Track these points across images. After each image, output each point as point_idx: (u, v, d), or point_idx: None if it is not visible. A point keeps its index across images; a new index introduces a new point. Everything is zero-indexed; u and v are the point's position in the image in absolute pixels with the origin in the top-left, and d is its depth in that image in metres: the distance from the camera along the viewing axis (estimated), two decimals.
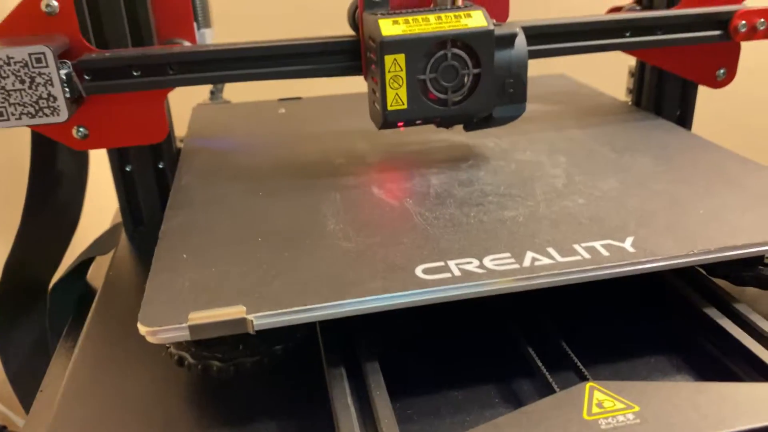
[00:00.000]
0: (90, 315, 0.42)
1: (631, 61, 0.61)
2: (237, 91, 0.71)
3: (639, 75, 0.59)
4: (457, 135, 0.52)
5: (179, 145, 0.55)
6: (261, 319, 0.30)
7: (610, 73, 0.71)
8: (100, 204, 0.67)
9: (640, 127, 0.52)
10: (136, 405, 0.34)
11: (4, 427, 0.73)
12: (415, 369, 0.35)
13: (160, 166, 0.51)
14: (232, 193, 0.44)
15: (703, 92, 0.58)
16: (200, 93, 0.69)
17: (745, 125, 1.02)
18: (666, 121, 0.54)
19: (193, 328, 0.29)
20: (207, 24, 0.54)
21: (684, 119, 0.58)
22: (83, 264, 0.56)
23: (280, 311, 0.30)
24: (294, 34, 0.47)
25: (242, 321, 0.30)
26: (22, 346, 0.62)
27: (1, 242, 0.62)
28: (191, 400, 0.34)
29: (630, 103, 0.60)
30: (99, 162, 0.58)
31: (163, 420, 0.33)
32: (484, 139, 0.51)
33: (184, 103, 0.65)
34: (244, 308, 0.30)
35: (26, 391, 0.64)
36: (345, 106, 0.63)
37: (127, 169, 0.51)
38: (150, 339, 0.30)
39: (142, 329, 0.29)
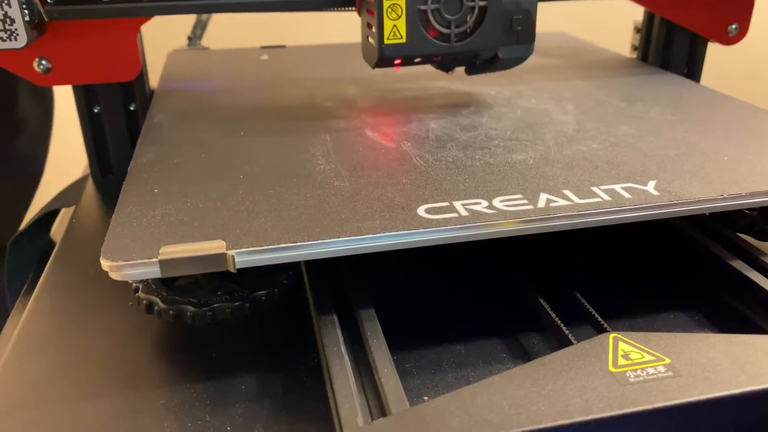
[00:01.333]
0: (48, 265, 0.38)
1: (637, 16, 0.57)
2: (216, 40, 0.67)
3: (646, 30, 0.56)
4: (455, 82, 0.49)
5: (153, 87, 0.50)
6: (243, 256, 0.26)
7: (611, 33, 0.68)
8: (70, 154, 0.63)
9: (649, 81, 0.49)
10: (95, 358, 0.30)
11: None
12: (414, 320, 0.32)
13: (132, 108, 0.47)
14: (210, 132, 0.40)
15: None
16: (177, 40, 0.65)
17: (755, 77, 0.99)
18: (676, 75, 0.51)
19: (164, 263, 0.26)
20: None
21: (691, 76, 0.55)
22: (46, 217, 0.52)
23: (265, 247, 0.26)
24: None
25: (222, 256, 0.26)
26: None
27: None
28: (160, 352, 0.30)
29: (637, 57, 0.57)
30: (70, 106, 0.53)
31: (127, 375, 0.29)
32: (485, 87, 0.48)
33: (159, 48, 0.61)
34: (224, 243, 0.26)
35: None
36: (332, 55, 0.58)
37: (95, 110, 0.47)
38: (114, 275, 0.26)
39: (105, 264, 0.25)
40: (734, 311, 0.32)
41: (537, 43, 0.61)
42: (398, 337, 0.30)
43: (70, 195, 0.52)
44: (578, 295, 0.31)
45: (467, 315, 0.32)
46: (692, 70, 0.55)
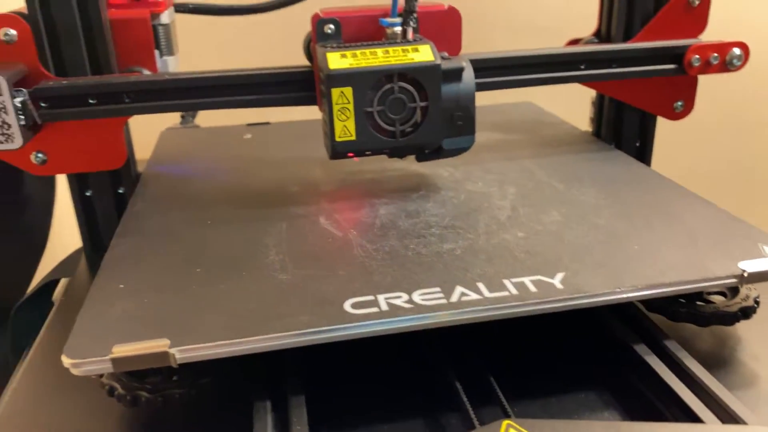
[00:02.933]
0: (36, 341, 0.42)
1: (593, 91, 0.61)
2: (209, 116, 0.72)
3: (599, 106, 0.59)
4: (413, 164, 0.53)
5: (141, 169, 0.55)
6: (184, 353, 0.30)
7: (580, 100, 0.72)
8: (72, 226, 0.68)
9: (594, 159, 0.53)
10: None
11: None
12: (343, 402, 0.35)
13: (120, 191, 0.52)
14: (181, 221, 0.44)
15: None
16: (172, 116, 0.70)
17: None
18: (621, 153, 0.54)
19: (116, 361, 0.30)
20: (170, 52, 0.55)
21: (643, 150, 0.58)
22: (48, 286, 0.57)
23: (202, 345, 0.31)
24: (271, 61, 0.48)
25: (164, 354, 0.30)
26: None
27: None
28: (121, 430, 0.34)
29: (591, 133, 0.61)
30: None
31: None
32: (440, 169, 0.52)
33: (157, 125, 0.66)
34: (168, 341, 0.31)
35: None
36: (311, 131, 0.63)
37: (87, 194, 0.52)
38: (74, 371, 0.30)
39: (66, 361, 0.30)
40: (639, 393, 0.35)
41: (501, 115, 0.65)
42: (327, 418, 0.33)
43: (68, 266, 0.57)
44: (491, 378, 0.35)
45: (392, 397, 0.36)
46: (644, 143, 0.58)
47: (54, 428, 0.34)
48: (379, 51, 0.43)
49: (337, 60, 0.42)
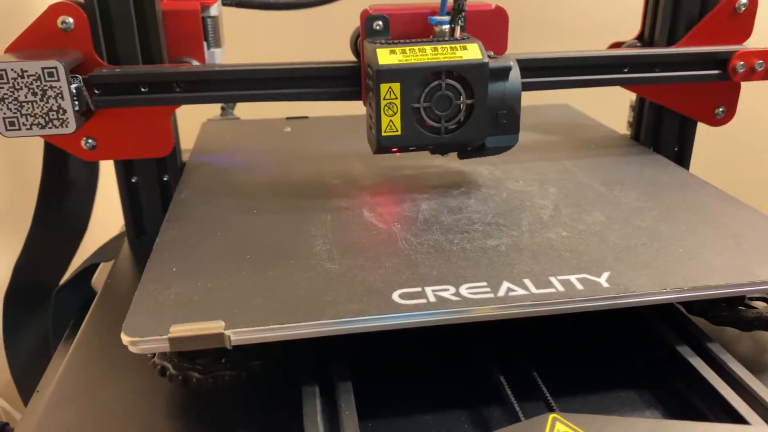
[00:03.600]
0: (84, 322, 0.43)
1: (633, 95, 0.61)
2: (248, 108, 0.73)
3: (638, 109, 0.60)
4: (453, 161, 0.53)
5: (185, 158, 0.56)
6: (238, 335, 0.31)
7: (617, 104, 0.72)
8: (111, 211, 0.69)
9: (634, 162, 0.53)
10: (117, 414, 0.35)
11: (6, 424, 0.75)
12: (389, 391, 0.36)
13: (165, 179, 0.53)
14: (228, 210, 0.45)
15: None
16: (212, 108, 0.72)
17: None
18: (661, 157, 0.54)
19: (173, 341, 0.31)
20: (217, 44, 0.56)
21: (682, 155, 0.58)
22: (88, 270, 0.58)
23: (256, 328, 0.31)
24: (308, 57, 0.49)
25: (220, 336, 0.31)
26: (26, 347, 0.64)
27: (10, 246, 0.64)
28: (171, 411, 0.35)
29: (629, 136, 0.61)
30: (111, 170, 0.60)
31: (141, 429, 0.34)
32: (479, 167, 0.52)
33: (197, 117, 0.67)
34: (223, 323, 0.31)
35: (29, 392, 0.66)
36: (349, 127, 0.64)
37: (133, 180, 0.53)
38: (132, 349, 0.31)
39: (125, 339, 0.31)
40: (681, 394, 0.35)
41: (539, 117, 0.65)
42: (372, 405, 0.34)
43: (109, 250, 0.58)
44: (535, 374, 0.35)
45: (435, 389, 0.36)
46: (682, 148, 0.58)
47: (105, 407, 0.35)
48: (428, 48, 0.43)
49: (386, 56, 0.43)
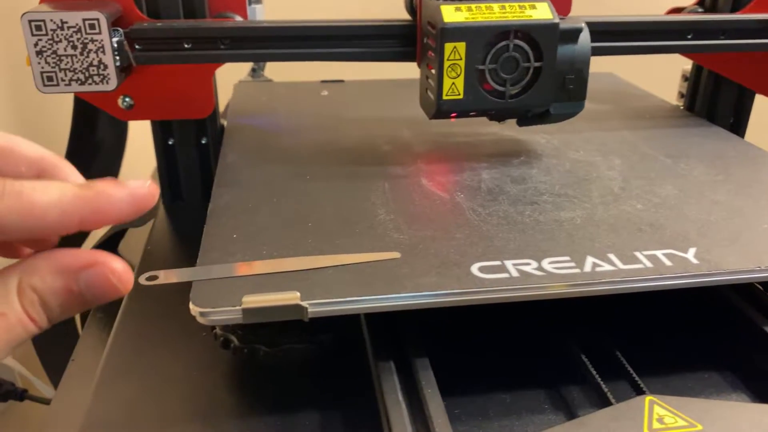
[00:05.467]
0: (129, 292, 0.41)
1: (685, 65, 0.59)
2: (278, 70, 0.70)
3: (694, 80, 0.57)
4: (506, 129, 0.51)
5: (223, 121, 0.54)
6: (315, 307, 0.29)
7: (659, 76, 0.69)
8: (138, 175, 0.67)
9: (694, 134, 0.51)
10: (177, 385, 0.33)
11: (25, 390, 0.74)
12: (463, 368, 0.34)
13: (203, 142, 0.51)
14: (279, 174, 0.43)
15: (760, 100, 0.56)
16: (240, 70, 0.69)
17: None
18: (721, 129, 0.52)
19: (246, 312, 0.29)
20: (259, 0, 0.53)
21: (738, 127, 0.56)
22: (115, 236, 0.56)
23: (335, 300, 0.29)
24: (347, 15, 0.46)
25: (297, 307, 0.29)
26: None
27: None
28: (234, 384, 0.33)
29: (681, 107, 0.59)
30: (139, 133, 0.57)
31: (205, 403, 0.32)
32: (535, 135, 0.50)
33: (223, 78, 0.64)
34: (298, 294, 0.29)
35: (49, 358, 0.64)
36: (388, 91, 0.61)
37: (170, 142, 0.51)
38: (201, 320, 0.29)
39: (194, 309, 0.29)
40: (766, 374, 0.34)
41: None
42: (449, 383, 0.32)
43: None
44: (618, 353, 0.34)
45: (514, 367, 0.34)
46: (738, 120, 0.56)
47: (164, 379, 0.34)
48: (496, 6, 0.41)
49: (451, 13, 0.40)
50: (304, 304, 0.29)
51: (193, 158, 0.51)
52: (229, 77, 0.66)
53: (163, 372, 0.34)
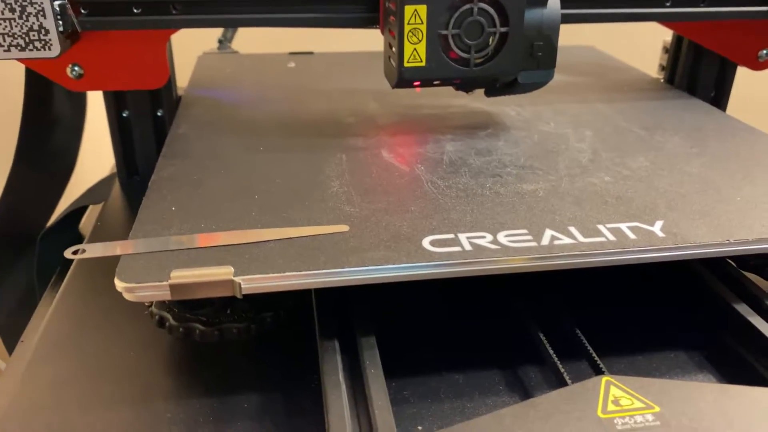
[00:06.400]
0: (72, 267, 0.39)
1: (666, 36, 0.57)
2: (247, 43, 0.68)
3: (674, 51, 0.55)
4: (476, 101, 0.49)
5: (181, 93, 0.51)
6: (249, 283, 0.27)
7: (640, 50, 0.67)
8: (101, 151, 0.65)
9: (673, 107, 0.49)
10: (111, 366, 0.31)
11: None
12: (414, 348, 0.33)
13: (159, 114, 0.48)
14: (231, 146, 0.41)
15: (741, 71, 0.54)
16: (208, 42, 0.66)
17: None
18: (701, 102, 0.50)
19: (174, 288, 0.27)
20: None
21: (719, 101, 0.54)
22: (75, 213, 0.54)
23: (271, 275, 0.27)
24: None
25: (229, 283, 0.27)
26: (11, 294, 0.60)
27: None
28: (170, 364, 0.31)
29: (662, 80, 0.57)
30: (101, 105, 0.55)
31: (138, 385, 0.30)
32: (505, 107, 0.48)
33: (190, 51, 0.62)
34: (232, 269, 0.27)
35: (13, 340, 0.62)
36: (359, 63, 0.59)
37: (124, 114, 0.48)
38: (127, 296, 0.27)
39: (119, 285, 0.27)
40: (736, 355, 0.32)
41: (564, 58, 0.60)
42: (399, 364, 0.31)
43: (97, 192, 0.53)
44: (578, 331, 0.32)
45: (467, 345, 0.33)
46: (719, 93, 0.54)
47: (96, 360, 0.32)
48: None
49: None
50: (238, 279, 0.27)
51: (148, 132, 0.48)
52: (197, 50, 0.64)
53: (98, 353, 0.32)
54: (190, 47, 0.62)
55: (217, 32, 0.66)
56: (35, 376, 0.31)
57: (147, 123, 0.48)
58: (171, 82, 0.48)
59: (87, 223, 0.54)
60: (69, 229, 0.54)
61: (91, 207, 0.54)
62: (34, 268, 0.55)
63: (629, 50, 0.65)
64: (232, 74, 0.56)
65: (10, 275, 0.59)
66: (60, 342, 0.33)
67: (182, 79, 0.56)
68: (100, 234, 0.43)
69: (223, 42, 0.64)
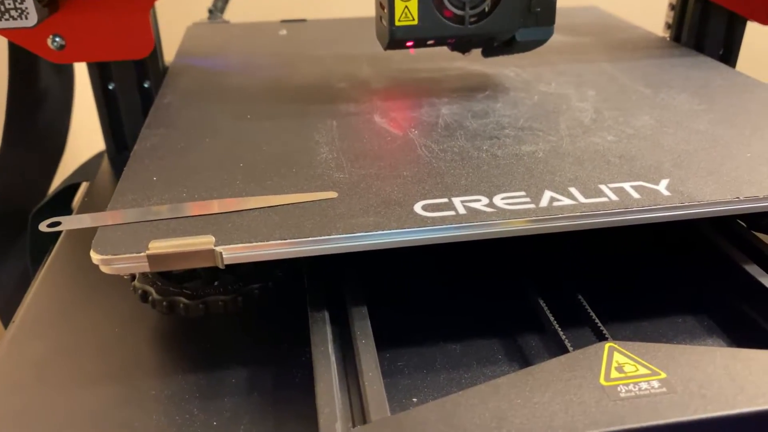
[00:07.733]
0: (56, 245, 0.38)
1: None
2: (239, 12, 0.66)
3: (680, 7, 0.53)
4: (473, 63, 0.47)
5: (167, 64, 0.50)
6: (231, 253, 0.26)
7: (645, 10, 0.65)
8: (94, 127, 0.63)
9: (679, 64, 0.47)
10: (94, 343, 0.30)
11: None
12: (409, 317, 0.31)
13: (146, 86, 0.47)
14: (218, 114, 0.39)
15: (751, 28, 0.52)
16: (199, 15, 0.64)
17: None
18: (709, 59, 0.48)
19: (152, 258, 0.25)
20: None
21: (728, 58, 0.52)
22: (67, 190, 0.53)
23: (254, 244, 0.26)
24: None
25: (210, 253, 0.26)
26: (7, 275, 0.59)
27: None
28: (155, 340, 0.30)
29: (668, 38, 0.54)
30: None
31: (122, 362, 0.29)
32: (504, 69, 0.46)
33: (181, 25, 0.60)
34: (213, 239, 0.26)
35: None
36: (353, 30, 0.57)
37: (110, 87, 0.47)
38: (104, 269, 0.26)
39: (95, 257, 0.26)
40: (746, 318, 0.31)
41: (566, 19, 0.58)
42: (393, 334, 0.29)
43: (90, 169, 0.52)
44: (580, 297, 0.30)
45: (465, 314, 0.31)
46: (728, 51, 0.52)
47: (80, 337, 0.31)
48: None
49: None
50: (219, 249, 0.26)
51: (135, 104, 0.47)
52: (187, 21, 0.62)
53: (82, 328, 0.31)
54: (181, 20, 0.60)
55: (208, 2, 0.64)
56: (14, 356, 0.30)
57: (133, 95, 0.47)
58: (157, 51, 0.47)
59: (79, 200, 0.52)
60: (62, 206, 0.53)
61: (84, 183, 0.52)
62: (27, 248, 0.54)
63: (634, 10, 0.63)
64: (221, 43, 0.54)
65: (6, 257, 0.58)
66: (42, 319, 0.32)
67: (173, 53, 0.54)
68: (87, 210, 0.42)
69: (214, 12, 0.62)
